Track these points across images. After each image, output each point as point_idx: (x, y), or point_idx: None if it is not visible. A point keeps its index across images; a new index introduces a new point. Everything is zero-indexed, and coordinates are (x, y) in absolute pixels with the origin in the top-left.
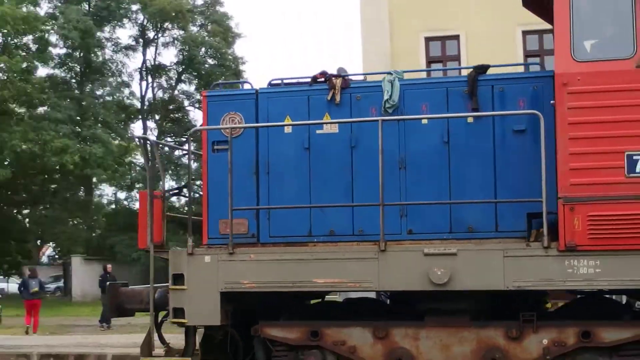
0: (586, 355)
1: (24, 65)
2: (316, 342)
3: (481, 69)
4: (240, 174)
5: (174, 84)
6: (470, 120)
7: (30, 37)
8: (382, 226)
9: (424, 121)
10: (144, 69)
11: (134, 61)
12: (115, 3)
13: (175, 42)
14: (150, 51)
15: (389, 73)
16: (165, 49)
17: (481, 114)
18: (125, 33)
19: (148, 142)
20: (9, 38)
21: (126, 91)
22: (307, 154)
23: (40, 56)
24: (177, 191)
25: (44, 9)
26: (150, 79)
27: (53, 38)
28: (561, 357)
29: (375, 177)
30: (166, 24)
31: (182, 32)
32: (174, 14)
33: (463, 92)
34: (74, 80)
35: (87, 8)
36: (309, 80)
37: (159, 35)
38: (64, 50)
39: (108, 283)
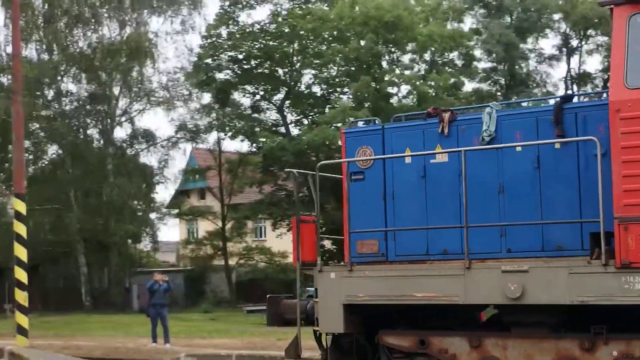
0: None
1: (452, 81)
2: (424, 349)
3: (567, 99)
4: (372, 200)
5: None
6: (557, 146)
7: (456, 53)
8: (467, 246)
9: (518, 149)
10: (568, 78)
11: (558, 70)
12: (537, 14)
13: (599, 48)
14: (574, 60)
15: (489, 106)
16: (589, 56)
17: (543, 142)
18: (548, 43)
19: (297, 175)
20: (437, 55)
21: None
22: (424, 181)
23: (466, 71)
24: None
25: (467, 24)
26: (575, 88)
27: (477, 52)
28: None
29: (478, 201)
30: (589, 31)
31: (606, 38)
32: (596, 20)
33: (550, 120)
34: (499, 93)
35: (509, 21)
36: (424, 115)
37: (583, 42)
38: (488, 64)
39: (268, 296)
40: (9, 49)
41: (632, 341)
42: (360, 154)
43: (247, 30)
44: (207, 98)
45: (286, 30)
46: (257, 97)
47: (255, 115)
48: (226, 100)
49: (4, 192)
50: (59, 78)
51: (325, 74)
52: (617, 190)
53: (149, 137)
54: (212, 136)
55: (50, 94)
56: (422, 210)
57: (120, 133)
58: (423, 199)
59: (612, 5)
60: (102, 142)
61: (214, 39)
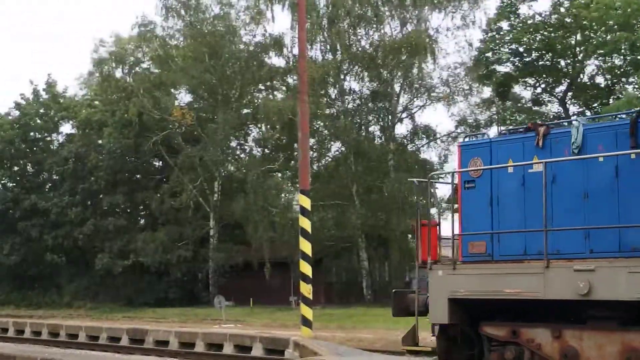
0: None
1: None
2: (515, 339)
3: None
4: (481, 205)
5: None
6: (633, 156)
7: None
8: (546, 247)
9: (600, 159)
10: None
11: None
12: None
13: None
14: None
15: (577, 120)
16: None
17: (604, 154)
18: None
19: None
20: None
21: None
22: (523, 189)
23: None
24: None
25: None
26: None
27: None
28: None
29: (568, 206)
30: None
31: None
32: None
33: (628, 133)
34: None
35: None
36: (524, 129)
37: None
38: None
39: (394, 290)
40: (295, 50)
41: None
42: (471, 165)
43: (528, 22)
44: (487, 92)
45: (568, 20)
46: (538, 89)
47: (536, 108)
48: (506, 93)
49: (290, 188)
50: (342, 77)
51: (610, 63)
52: None
53: (429, 132)
54: (492, 130)
55: (333, 92)
56: (522, 214)
57: (401, 129)
58: (522, 204)
59: None
60: (383, 138)
61: (494, 32)
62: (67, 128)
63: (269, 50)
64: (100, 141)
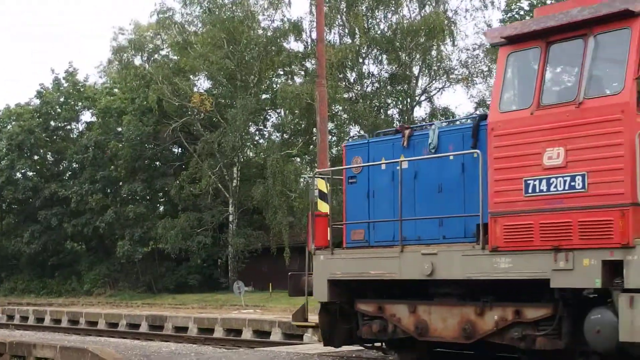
0: (518, 328)
1: None
2: (381, 314)
3: (483, 117)
4: (361, 198)
5: None
6: (475, 155)
7: None
8: (401, 234)
9: (451, 157)
10: None
11: None
12: None
13: None
14: None
15: (434, 124)
16: None
17: (428, 156)
18: None
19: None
20: None
21: None
22: (392, 184)
23: None
24: None
25: None
26: None
27: None
28: (506, 328)
29: (427, 198)
30: None
31: None
32: None
33: (471, 135)
34: None
35: None
36: (394, 131)
37: None
38: None
39: (290, 273)
40: (314, 35)
41: (507, 308)
42: (353, 162)
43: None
44: None
45: None
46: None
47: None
48: None
49: (308, 172)
50: (361, 60)
51: None
52: (490, 191)
53: (448, 114)
54: None
55: (352, 76)
56: (391, 206)
57: (420, 112)
58: (392, 197)
59: (498, 46)
60: (402, 121)
61: (514, 12)
62: (86, 116)
63: (288, 35)
64: (119, 129)
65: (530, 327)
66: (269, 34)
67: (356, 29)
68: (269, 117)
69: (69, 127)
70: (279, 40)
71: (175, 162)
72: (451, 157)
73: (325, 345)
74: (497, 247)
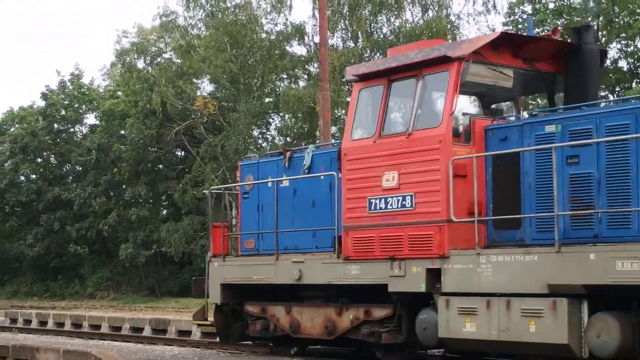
0: (368, 325)
1: None
2: (264, 315)
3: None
4: (252, 212)
5: None
6: (339, 176)
7: None
8: (277, 244)
9: (322, 177)
10: None
11: None
12: None
13: None
14: None
15: (308, 147)
16: None
17: (301, 177)
18: None
19: (213, 194)
20: None
21: None
22: (275, 199)
23: None
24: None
25: None
26: None
27: None
28: (359, 325)
29: (304, 212)
30: None
31: None
32: None
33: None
34: None
35: None
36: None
37: None
38: None
39: (194, 278)
40: (317, 39)
41: (359, 308)
42: (246, 180)
43: (550, 5)
44: None
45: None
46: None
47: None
48: None
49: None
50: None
51: (633, 47)
52: (343, 207)
53: None
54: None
55: None
56: (274, 219)
57: None
58: (274, 211)
59: (353, 82)
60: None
61: (517, 16)
62: (90, 119)
63: (291, 39)
64: (122, 132)
65: (377, 324)
66: (272, 37)
67: (359, 33)
68: (272, 121)
69: (72, 130)
70: (281, 43)
71: (178, 165)
72: (322, 177)
73: (221, 342)
74: (348, 256)
